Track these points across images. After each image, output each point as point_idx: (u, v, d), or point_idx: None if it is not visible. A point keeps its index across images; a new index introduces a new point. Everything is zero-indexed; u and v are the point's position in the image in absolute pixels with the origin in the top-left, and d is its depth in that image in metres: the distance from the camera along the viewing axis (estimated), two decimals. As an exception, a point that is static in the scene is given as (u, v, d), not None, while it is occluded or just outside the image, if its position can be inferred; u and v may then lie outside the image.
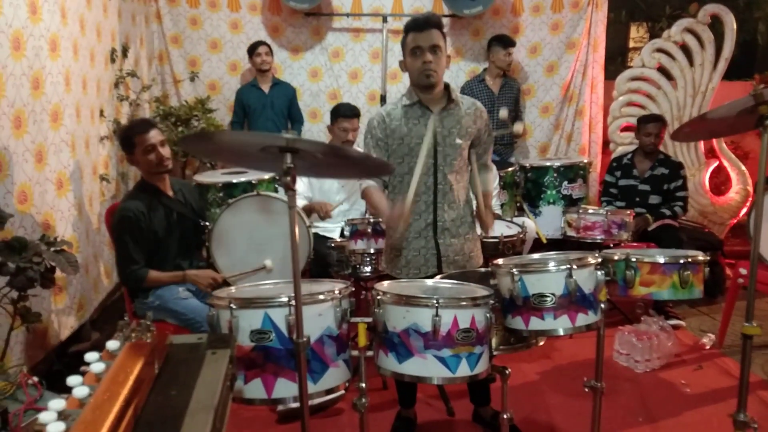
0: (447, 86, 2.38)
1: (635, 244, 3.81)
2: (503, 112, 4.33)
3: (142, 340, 1.09)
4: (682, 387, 3.06)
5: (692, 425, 2.68)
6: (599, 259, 1.82)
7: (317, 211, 3.50)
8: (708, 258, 2.00)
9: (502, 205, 4.22)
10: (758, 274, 3.31)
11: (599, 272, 1.81)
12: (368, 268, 3.08)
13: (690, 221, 4.71)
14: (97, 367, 0.99)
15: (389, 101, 2.53)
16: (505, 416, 2.02)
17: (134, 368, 1.00)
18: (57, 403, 0.87)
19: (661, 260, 1.93)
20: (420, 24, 2.25)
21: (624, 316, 3.80)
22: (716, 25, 4.96)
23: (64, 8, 3.12)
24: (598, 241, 3.54)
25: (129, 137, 2.72)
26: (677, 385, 3.08)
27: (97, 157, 3.67)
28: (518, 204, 4.41)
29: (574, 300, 1.74)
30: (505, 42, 4.66)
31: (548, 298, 1.73)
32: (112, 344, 1.07)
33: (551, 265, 1.77)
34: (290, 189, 1.45)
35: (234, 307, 1.63)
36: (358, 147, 3.53)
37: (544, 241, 4.05)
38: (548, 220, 4.18)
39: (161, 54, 4.92)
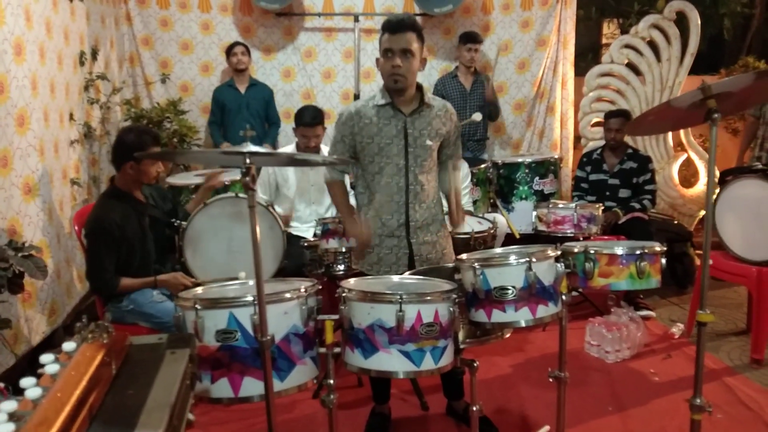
0: (420, 87, 2.39)
1: (606, 237, 3.88)
2: (476, 116, 4.39)
3: (99, 341, 1.10)
4: (651, 376, 3.13)
5: (659, 412, 2.74)
6: (559, 252, 1.87)
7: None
8: (665, 248, 2.05)
9: (475, 202, 4.27)
10: (723, 264, 3.44)
11: (559, 265, 1.85)
12: (341, 267, 3.09)
13: (660, 213, 4.80)
14: (52, 368, 1.00)
15: (358, 100, 2.54)
16: (474, 408, 2.05)
17: (89, 368, 1.01)
18: (8, 405, 0.87)
19: (619, 252, 1.98)
20: (392, 26, 2.24)
21: (595, 308, 3.87)
22: (682, 21, 5.06)
23: (28, 11, 3.09)
24: (569, 234, 3.60)
25: (141, 147, 2.68)
26: (646, 374, 3.15)
27: (68, 161, 3.64)
28: (491, 200, 4.46)
29: (534, 292, 1.78)
30: (465, 39, 4.71)
31: (509, 291, 1.77)
32: (67, 345, 1.08)
33: (511, 259, 1.80)
34: (250, 189, 1.46)
35: (199, 307, 1.65)
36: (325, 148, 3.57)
37: (518, 236, 4.10)
38: (521, 216, 4.24)
39: (132, 56, 4.89)
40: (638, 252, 1.95)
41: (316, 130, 3.54)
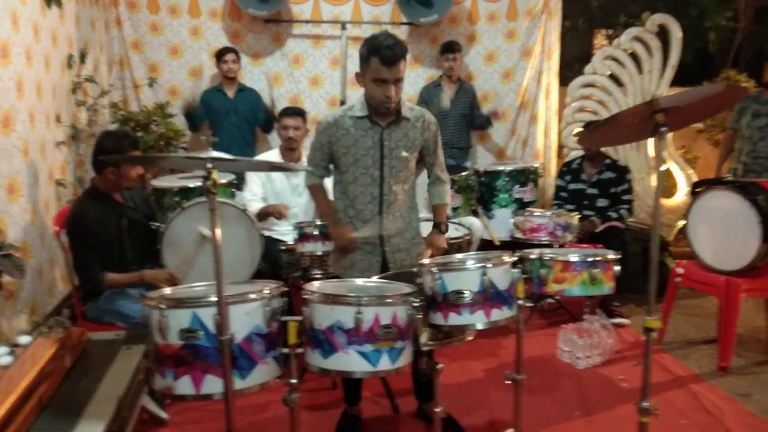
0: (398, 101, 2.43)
1: (585, 245, 3.95)
2: (445, 101, 4.54)
3: (54, 335, 1.15)
4: (620, 382, 3.19)
5: (624, 418, 2.80)
6: (515, 258, 1.93)
7: (273, 213, 3.57)
8: (619, 256, 2.12)
9: (456, 209, 4.34)
10: (695, 274, 3.51)
11: (514, 270, 1.92)
12: (318, 270, 3.15)
13: (639, 223, 4.87)
14: (5, 360, 1.05)
15: (336, 109, 2.60)
16: (437, 410, 2.11)
17: (41, 360, 1.07)
18: (-42, 393, 0.93)
19: (573, 259, 2.05)
20: (387, 59, 2.22)
21: (570, 315, 3.94)
22: (664, 34, 5.15)
23: (15, 15, 3.15)
24: (544, 242, 3.67)
25: (119, 151, 2.73)
26: (615, 380, 3.21)
27: (54, 162, 3.70)
28: (472, 207, 4.53)
29: (489, 296, 1.84)
30: (443, 48, 4.80)
31: (465, 295, 1.84)
32: (23, 339, 1.14)
33: (468, 264, 1.87)
34: (211, 192, 1.52)
35: (163, 307, 1.70)
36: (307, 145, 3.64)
37: (497, 243, 4.18)
38: (500, 223, 4.31)
39: (121, 59, 4.96)
40: (591, 259, 2.02)
41: (296, 120, 3.63)
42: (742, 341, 3.63)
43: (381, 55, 2.23)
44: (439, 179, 2.64)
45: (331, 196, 2.62)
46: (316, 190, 2.62)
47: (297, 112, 3.70)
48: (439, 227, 2.59)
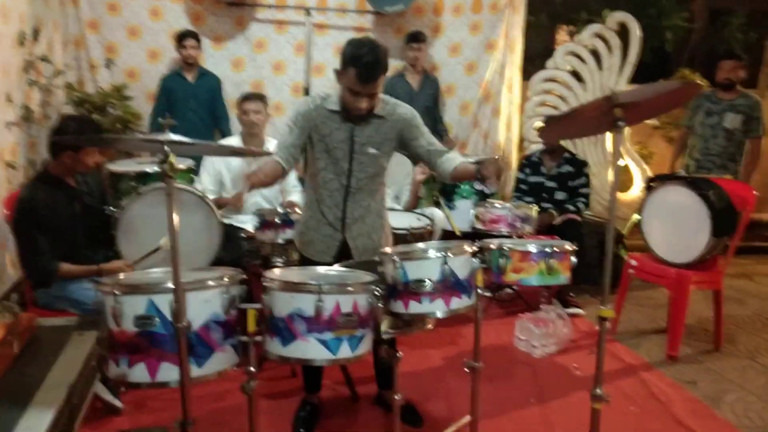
0: None
1: (543, 236, 4.02)
2: None
3: (1, 321, 1.12)
4: (574, 370, 3.28)
5: (578, 404, 2.88)
6: (475, 248, 1.96)
7: (230, 204, 3.53)
8: (575, 248, 2.17)
9: (419, 199, 4.36)
10: (647, 266, 3.61)
11: (474, 260, 1.94)
12: (278, 259, 3.13)
13: (595, 216, 4.99)
14: (-52, 346, 1.01)
15: (317, 93, 2.52)
16: (396, 397, 2.12)
17: (-14, 347, 1.03)
18: None
19: (531, 249, 2.09)
20: (364, 78, 2.17)
21: (527, 305, 4.02)
22: (624, 32, 5.26)
23: (-38, -12, 3.01)
24: (504, 233, 3.72)
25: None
26: (569, 368, 3.30)
27: (4, 143, 3.56)
28: (435, 198, 4.56)
29: (448, 285, 1.86)
30: (408, 38, 4.82)
31: (425, 283, 1.85)
32: (-32, 325, 1.09)
33: (429, 253, 1.89)
34: (168, 176, 1.49)
35: (117, 293, 1.66)
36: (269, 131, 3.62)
37: (458, 233, 4.22)
38: (462, 214, 4.33)
39: (77, 39, 4.79)
40: (548, 250, 2.06)
41: (257, 104, 3.62)
42: (691, 331, 3.77)
43: (358, 70, 2.17)
44: (441, 151, 2.48)
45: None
46: (267, 161, 2.41)
47: (258, 97, 3.69)
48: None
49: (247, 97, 3.67)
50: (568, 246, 2.12)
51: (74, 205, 2.76)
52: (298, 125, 2.41)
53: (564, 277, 2.11)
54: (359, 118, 2.36)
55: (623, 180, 5.62)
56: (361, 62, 2.16)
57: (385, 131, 2.42)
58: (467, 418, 2.41)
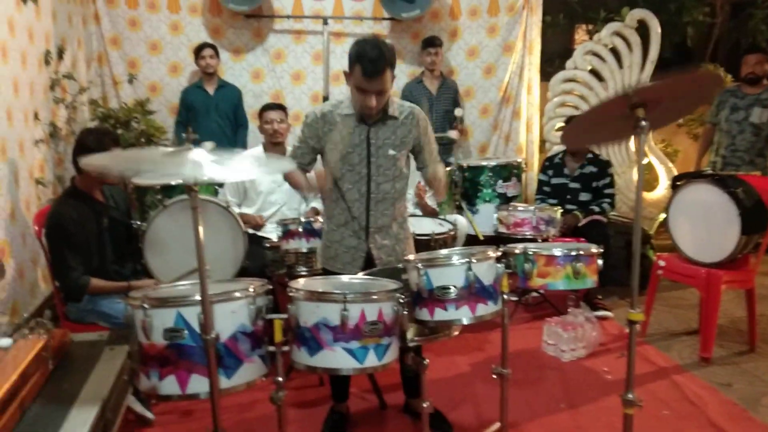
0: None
1: (568, 239, 3.98)
2: (459, 111, 4.57)
3: (36, 337, 1.13)
4: (604, 374, 3.22)
5: (608, 409, 2.83)
6: (499, 253, 1.94)
7: (251, 222, 3.57)
8: (602, 250, 2.14)
9: (440, 204, 4.34)
10: (676, 266, 3.55)
11: (499, 265, 1.93)
12: (303, 267, 3.14)
13: (621, 217, 4.92)
14: (-15, 363, 1.03)
15: (327, 102, 2.57)
16: (424, 405, 2.11)
17: (22, 363, 1.05)
18: (-63, 397, 0.92)
19: (556, 253, 2.06)
20: (369, 71, 2.19)
21: (555, 309, 3.97)
22: (644, 30, 5.20)
23: (-10, 11, 3.09)
24: (528, 236, 3.69)
25: (101, 149, 2.64)
26: (599, 372, 3.25)
27: (33, 160, 3.64)
28: (456, 202, 4.54)
29: (474, 291, 1.85)
30: (425, 43, 4.82)
31: (450, 290, 1.84)
32: (4, 342, 1.12)
33: (453, 259, 1.88)
34: (192, 190, 1.51)
35: (147, 306, 1.68)
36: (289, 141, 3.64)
37: (481, 238, 4.19)
38: (484, 218, 4.32)
39: (100, 55, 4.89)
40: (574, 253, 2.04)
41: (279, 113, 3.66)
42: (723, 332, 3.69)
43: (363, 66, 2.20)
44: (436, 162, 2.60)
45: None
46: (293, 173, 2.48)
47: (279, 106, 3.72)
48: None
49: (268, 107, 3.70)
50: (595, 249, 2.10)
51: (102, 219, 2.81)
52: (306, 135, 2.45)
53: (591, 280, 2.08)
54: (373, 119, 2.37)
55: (648, 179, 5.55)
56: (365, 58, 2.18)
57: (402, 132, 2.42)
58: (497, 425, 2.39)
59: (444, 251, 2.18)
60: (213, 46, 4.74)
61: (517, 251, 2.08)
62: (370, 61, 2.18)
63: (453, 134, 4.66)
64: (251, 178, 3.58)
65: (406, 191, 2.58)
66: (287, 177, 2.57)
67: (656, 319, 3.92)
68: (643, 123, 1.68)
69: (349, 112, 2.39)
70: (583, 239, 3.93)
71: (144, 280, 2.81)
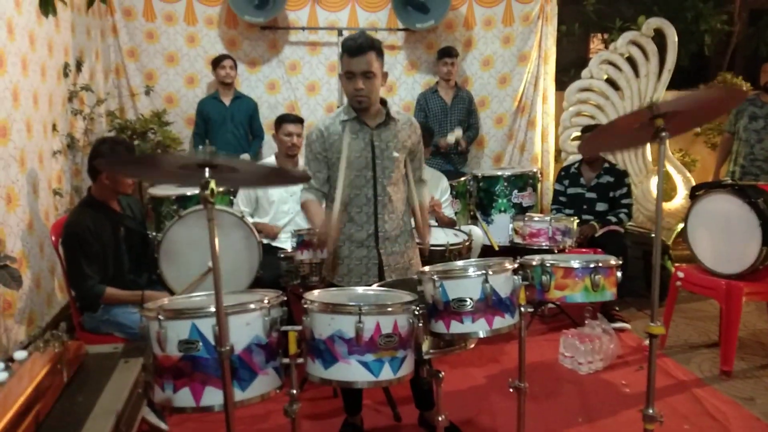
0: (384, 102, 2.45)
1: (584, 250, 3.94)
2: (450, 138, 4.60)
3: (50, 350, 1.13)
4: (623, 387, 3.17)
5: (627, 423, 2.78)
6: (516, 265, 1.92)
7: (265, 232, 3.58)
8: (621, 262, 2.10)
9: (455, 214, 4.32)
10: (695, 277, 3.49)
11: (516, 277, 1.90)
12: (316, 278, 3.13)
13: (638, 227, 4.87)
14: (0, 376, 1.03)
15: (326, 116, 2.60)
16: (440, 418, 2.08)
17: (37, 376, 1.04)
18: (-47, 411, 0.91)
19: (574, 265, 2.03)
20: (352, 50, 2.27)
21: (571, 321, 3.92)
22: (660, 38, 5.16)
23: (11, 24, 3.14)
24: (544, 247, 3.65)
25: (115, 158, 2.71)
26: (618, 385, 3.19)
27: (51, 171, 3.68)
28: (471, 212, 4.52)
29: (490, 304, 1.83)
30: (441, 53, 4.83)
31: (466, 303, 1.82)
32: (19, 354, 1.11)
33: (469, 272, 1.85)
34: (208, 202, 1.51)
35: (162, 318, 1.68)
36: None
37: (497, 248, 4.16)
38: (499, 228, 4.29)
39: (117, 67, 4.95)
40: (592, 266, 2.01)
41: (297, 127, 3.68)
42: (744, 345, 3.62)
43: (346, 47, 2.30)
44: (421, 180, 2.66)
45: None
46: (311, 204, 2.50)
47: (299, 119, 3.74)
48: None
49: (288, 120, 3.70)
50: (614, 261, 2.06)
51: (119, 229, 2.82)
52: (315, 152, 2.47)
53: (610, 293, 2.05)
54: (375, 118, 2.40)
55: (666, 189, 5.48)
56: (347, 39, 2.31)
57: (403, 137, 2.46)
58: (513, 439, 2.36)
59: (460, 263, 2.16)
60: (232, 58, 4.79)
61: (534, 263, 2.06)
62: (351, 39, 2.30)
63: (450, 138, 4.65)
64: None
65: (407, 198, 2.57)
66: (304, 207, 2.54)
67: (675, 331, 3.86)
68: (664, 134, 1.65)
69: (350, 117, 2.41)
70: (600, 250, 3.89)
71: (158, 291, 2.81)
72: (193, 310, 1.72)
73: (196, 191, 3.73)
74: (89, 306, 2.78)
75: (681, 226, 4.92)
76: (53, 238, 2.96)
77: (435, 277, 1.86)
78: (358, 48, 2.26)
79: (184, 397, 1.70)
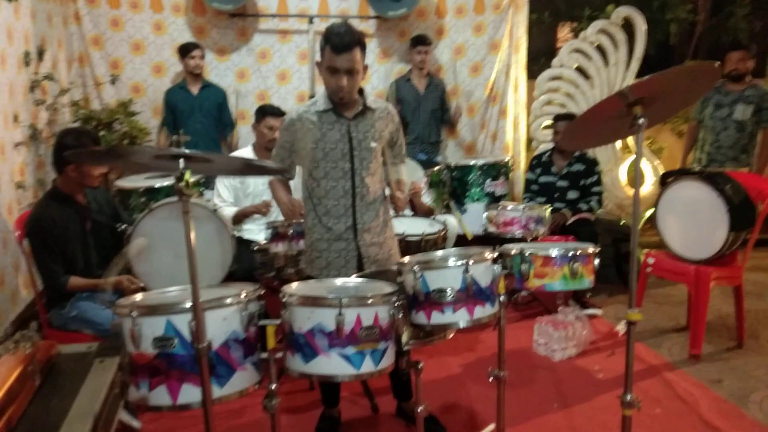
0: (361, 91, 2.40)
1: (555, 237, 3.98)
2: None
3: (21, 352, 1.09)
4: (596, 373, 3.22)
5: (602, 408, 2.83)
6: (495, 254, 1.92)
7: (255, 212, 3.49)
8: (598, 250, 2.12)
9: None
10: (664, 263, 3.56)
11: (495, 266, 1.90)
12: (292, 270, 3.09)
13: (608, 214, 4.94)
14: (-32, 380, 0.98)
15: (301, 104, 2.56)
16: (419, 409, 2.08)
17: (8, 380, 1.00)
18: None
19: (553, 254, 2.04)
20: (338, 47, 2.19)
21: (544, 308, 3.97)
22: (629, 27, 5.21)
23: (-33, 11, 3.00)
24: (517, 236, 3.67)
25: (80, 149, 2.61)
26: (591, 371, 3.24)
27: (13, 164, 3.55)
28: (445, 202, 4.52)
29: (471, 293, 1.82)
30: (415, 42, 4.81)
31: (447, 293, 1.81)
32: (-12, 357, 1.06)
33: (449, 262, 1.85)
34: (184, 194, 1.46)
35: (135, 314, 1.63)
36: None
37: (470, 238, 4.16)
38: (473, 217, 4.30)
39: (81, 56, 4.78)
40: (571, 254, 2.02)
41: (280, 121, 3.58)
42: (712, 328, 3.71)
43: (331, 42, 2.21)
44: (402, 161, 2.65)
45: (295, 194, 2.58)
46: (278, 183, 2.55)
47: (282, 113, 3.62)
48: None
49: (270, 112, 3.59)
50: (592, 248, 2.08)
51: (86, 221, 2.74)
52: (284, 140, 2.43)
53: (588, 280, 2.07)
54: (352, 108, 2.36)
55: (632, 176, 5.57)
56: (333, 33, 2.22)
57: (380, 126, 2.43)
58: (492, 427, 2.38)
59: (439, 253, 2.14)
60: (200, 47, 4.67)
61: (513, 252, 2.06)
62: (337, 35, 2.21)
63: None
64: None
65: (385, 188, 2.55)
66: (272, 186, 2.57)
67: (645, 316, 3.93)
68: (641, 120, 1.66)
69: (326, 108, 2.36)
70: (572, 237, 3.94)
71: (114, 278, 2.70)
72: (167, 306, 1.68)
73: (165, 183, 3.69)
74: (57, 298, 2.70)
75: (649, 212, 5.02)
76: (17, 233, 2.85)
77: (415, 267, 1.85)
78: (345, 46, 2.19)
79: (160, 396, 1.66)
